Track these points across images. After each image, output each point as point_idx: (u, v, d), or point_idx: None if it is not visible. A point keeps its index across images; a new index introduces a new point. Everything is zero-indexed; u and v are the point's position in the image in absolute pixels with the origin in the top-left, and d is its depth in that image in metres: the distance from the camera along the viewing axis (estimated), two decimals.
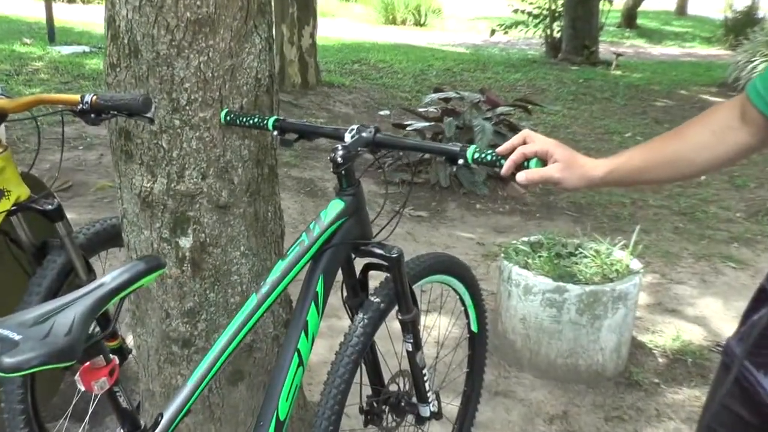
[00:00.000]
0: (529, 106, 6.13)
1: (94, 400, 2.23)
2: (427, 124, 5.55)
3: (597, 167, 1.24)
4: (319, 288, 1.55)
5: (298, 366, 1.51)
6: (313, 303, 1.54)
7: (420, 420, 1.98)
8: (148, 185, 1.75)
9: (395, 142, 1.57)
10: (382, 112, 7.55)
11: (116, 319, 1.14)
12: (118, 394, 1.15)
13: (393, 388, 1.97)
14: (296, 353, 1.50)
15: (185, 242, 1.79)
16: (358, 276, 1.79)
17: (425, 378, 1.89)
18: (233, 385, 1.96)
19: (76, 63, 8.07)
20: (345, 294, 1.80)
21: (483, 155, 1.41)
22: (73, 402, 2.25)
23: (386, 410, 1.95)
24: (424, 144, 1.58)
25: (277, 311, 1.98)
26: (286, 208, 4.54)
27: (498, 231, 4.65)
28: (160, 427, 1.27)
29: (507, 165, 1.28)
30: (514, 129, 5.46)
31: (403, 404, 1.96)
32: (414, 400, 1.97)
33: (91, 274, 2.08)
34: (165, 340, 1.89)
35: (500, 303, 3.05)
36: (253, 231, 1.87)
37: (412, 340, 1.81)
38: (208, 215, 1.79)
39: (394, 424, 1.98)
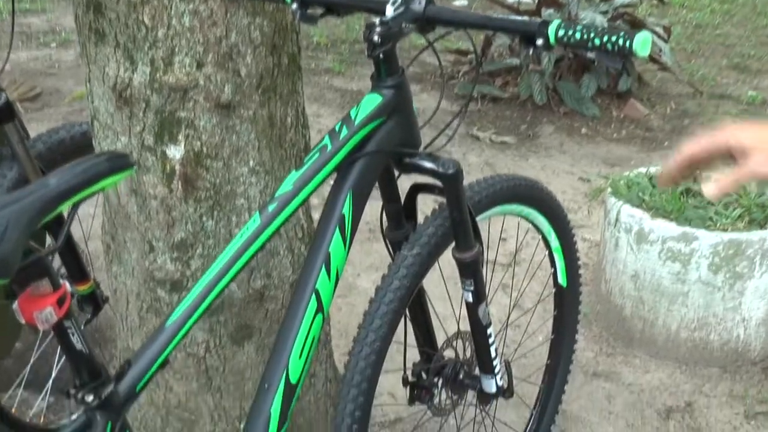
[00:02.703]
0: None
1: (58, 362, 2.33)
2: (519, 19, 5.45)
3: None
4: (346, 209, 1.58)
5: (317, 312, 1.54)
6: (337, 229, 1.57)
7: (484, 398, 2.00)
8: (126, 75, 1.78)
9: (453, 17, 1.57)
10: (457, 2, 7.49)
11: (66, 232, 1.18)
12: (69, 331, 1.20)
13: (449, 354, 2.00)
14: (314, 294, 1.54)
15: (175, 152, 1.83)
16: (402, 200, 1.80)
17: (491, 340, 1.92)
18: (238, 344, 2.02)
19: None
20: (385, 224, 1.82)
21: (573, 33, 1.40)
22: (29, 363, 2.34)
23: (439, 384, 1.98)
24: (490, 20, 1.58)
25: (297, 247, 2.02)
26: (324, 127, 4.58)
27: (608, 163, 4.61)
28: (126, 378, 1.32)
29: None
30: (639, 27, 5.36)
31: (461, 377, 1.99)
32: (476, 371, 2.00)
33: None
34: (148, 282, 1.94)
35: (604, 255, 3.04)
36: (267, 140, 1.90)
37: (472, 288, 1.83)
38: (206, 117, 1.81)
39: (449, 403, 2.02)
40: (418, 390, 1.96)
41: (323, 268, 1.55)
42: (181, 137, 1.82)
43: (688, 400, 2.74)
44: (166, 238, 1.89)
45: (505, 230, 2.92)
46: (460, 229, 1.76)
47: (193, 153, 1.83)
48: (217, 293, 1.44)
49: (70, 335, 1.21)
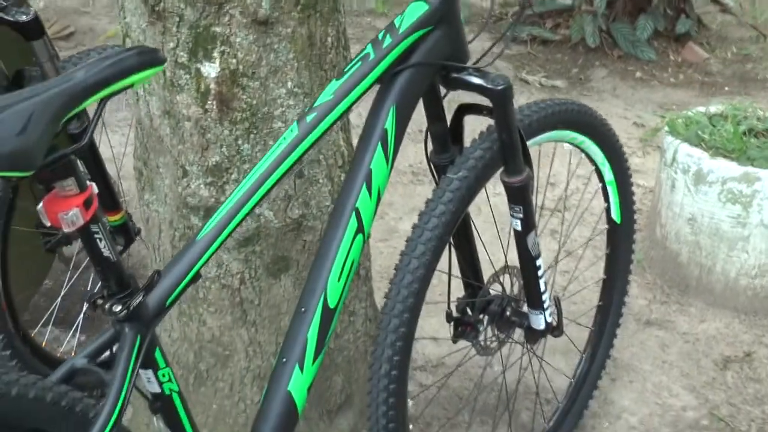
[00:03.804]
0: None
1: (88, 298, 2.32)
2: None
3: None
4: (389, 124, 1.53)
5: (357, 232, 1.51)
6: (379, 145, 1.53)
7: (532, 335, 1.97)
8: None
9: None
10: None
11: (93, 128, 1.14)
12: (96, 236, 1.17)
13: (495, 289, 1.96)
14: (354, 213, 1.50)
15: (209, 70, 1.79)
16: (449, 122, 1.76)
17: (540, 273, 1.87)
18: (274, 277, 1.99)
19: None
20: (429, 147, 1.77)
21: None
22: (59, 299, 2.33)
23: (484, 320, 1.94)
24: None
25: (337, 176, 1.98)
26: None
27: (665, 108, 4.53)
28: (156, 290, 1.29)
29: None
30: None
31: (508, 313, 1.95)
32: (524, 308, 1.96)
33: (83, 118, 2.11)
34: (181, 209, 1.92)
35: (659, 198, 2.98)
36: (306, 61, 1.86)
37: (521, 216, 1.79)
38: (243, 33, 1.78)
39: (495, 341, 1.98)
40: (463, 326, 1.93)
41: (364, 186, 1.52)
42: (216, 54, 1.78)
43: (747, 350, 2.69)
44: (200, 161, 1.86)
45: (553, 175, 2.89)
46: (510, 151, 1.71)
47: (229, 71, 1.80)
48: (253, 205, 1.40)
49: (98, 241, 1.18)
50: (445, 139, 1.77)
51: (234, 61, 1.79)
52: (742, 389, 2.52)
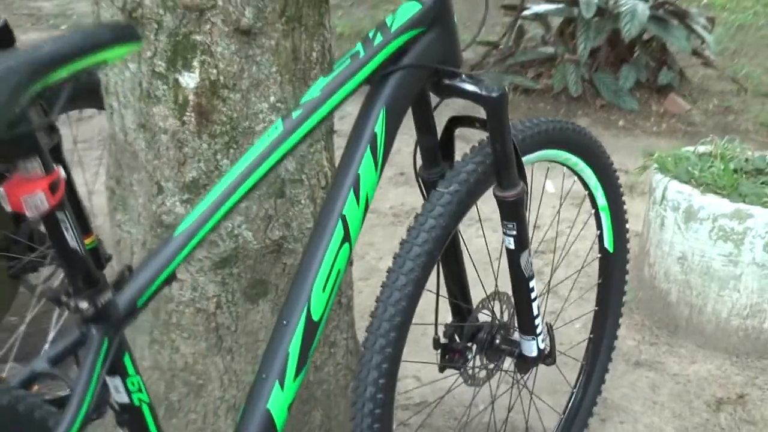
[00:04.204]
0: None
1: (59, 320, 2.23)
2: (554, 6, 5.38)
3: None
4: (379, 127, 1.46)
5: (343, 241, 1.43)
6: (368, 149, 1.45)
7: (522, 362, 1.88)
8: None
9: None
10: None
11: (60, 107, 1.06)
12: (63, 225, 1.08)
13: (484, 317, 1.89)
14: (340, 221, 1.42)
15: (189, 80, 1.73)
16: (439, 135, 1.69)
17: (533, 295, 1.80)
18: (252, 301, 1.91)
19: None
20: (419, 161, 1.71)
21: None
22: (21, 330, 2.23)
23: (473, 348, 1.86)
24: None
25: (320, 197, 1.91)
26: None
27: (648, 155, 4.49)
28: (127, 289, 1.20)
29: None
30: (682, 17, 5.25)
31: (498, 341, 1.87)
32: (515, 335, 1.88)
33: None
34: (155, 228, 1.84)
35: (648, 237, 2.92)
36: (290, 75, 1.80)
37: (515, 233, 1.71)
38: (224, 43, 1.71)
39: (482, 371, 1.90)
40: (451, 353, 1.84)
41: (351, 192, 1.44)
42: (196, 63, 1.72)
43: (740, 392, 2.61)
44: (177, 177, 1.79)
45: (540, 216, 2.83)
46: (503, 163, 1.64)
47: (209, 82, 1.73)
48: (234, 202, 1.32)
49: (64, 230, 1.09)
50: (435, 152, 1.70)
51: (214, 71, 1.72)
52: (736, 431, 2.44)
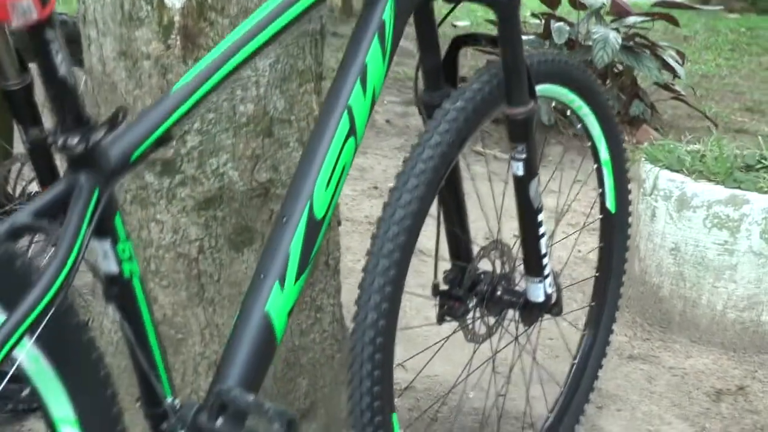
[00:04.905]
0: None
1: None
2: (525, 38, 5.36)
3: None
4: (387, 15, 1.37)
5: (349, 134, 1.33)
6: (376, 37, 1.36)
7: (528, 310, 1.77)
8: None
9: None
10: (460, 23, 7.42)
11: None
12: (52, 47, 0.95)
13: (485, 265, 1.78)
14: (346, 112, 1.32)
15: (174, 0, 1.64)
16: (443, 55, 1.61)
17: (541, 231, 1.70)
18: (236, 249, 1.79)
19: None
20: (420, 84, 1.61)
21: None
22: None
23: (473, 300, 1.75)
24: None
25: (311, 125, 1.81)
26: None
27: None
28: (120, 138, 1.07)
29: None
30: (653, 49, 5.26)
31: (500, 293, 1.77)
32: (517, 286, 1.78)
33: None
34: None
35: (638, 231, 2.84)
36: None
37: (524, 156, 1.62)
38: None
39: (482, 327, 1.79)
40: (450, 302, 1.73)
41: (358, 82, 1.34)
42: None
43: (739, 384, 2.52)
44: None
45: None
46: (514, 77, 1.55)
47: (196, 2, 1.64)
48: (235, 65, 1.21)
49: (53, 53, 0.98)
50: (438, 73, 1.61)
51: None
52: (740, 420, 2.34)
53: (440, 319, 1.76)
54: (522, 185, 1.66)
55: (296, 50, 1.77)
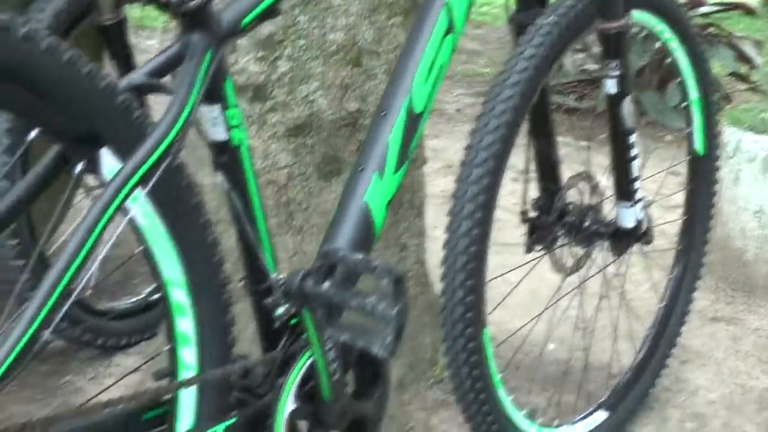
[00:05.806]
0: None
1: None
2: None
3: None
4: None
5: (447, 32, 1.34)
6: None
7: (618, 243, 1.77)
8: None
9: None
10: None
11: None
12: None
13: (573, 195, 1.78)
14: (444, 9, 1.34)
15: None
16: None
17: (632, 153, 1.69)
18: (325, 179, 1.82)
19: None
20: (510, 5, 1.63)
21: None
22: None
23: (561, 228, 1.75)
24: None
25: None
26: None
27: None
28: (235, 6, 1.10)
29: None
30: (728, 38, 5.21)
31: (588, 224, 1.76)
32: (606, 218, 1.77)
33: None
34: None
35: (721, 194, 2.80)
36: None
37: (618, 73, 1.62)
38: None
39: (569, 257, 1.79)
40: (540, 229, 1.73)
41: None
42: None
43: None
44: (252, 32, 1.71)
45: None
46: None
47: None
48: None
49: None
50: None
51: None
52: None
53: (529, 248, 1.76)
54: (615, 103, 1.66)
55: None
